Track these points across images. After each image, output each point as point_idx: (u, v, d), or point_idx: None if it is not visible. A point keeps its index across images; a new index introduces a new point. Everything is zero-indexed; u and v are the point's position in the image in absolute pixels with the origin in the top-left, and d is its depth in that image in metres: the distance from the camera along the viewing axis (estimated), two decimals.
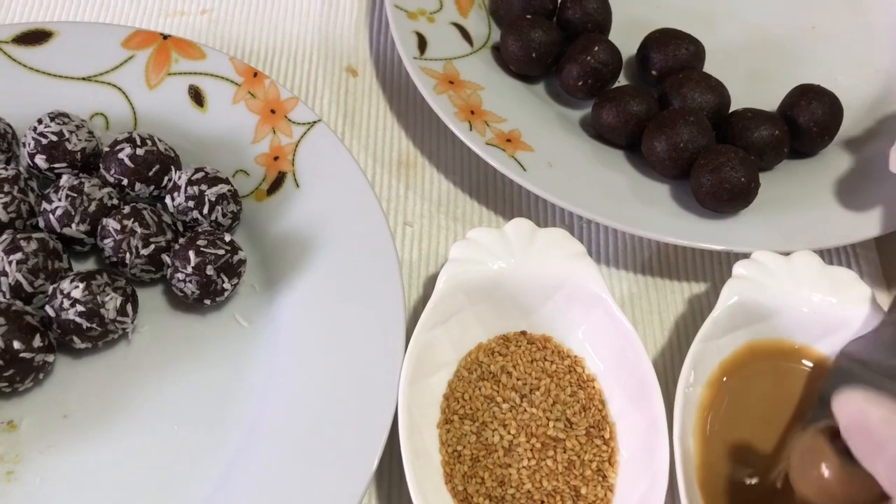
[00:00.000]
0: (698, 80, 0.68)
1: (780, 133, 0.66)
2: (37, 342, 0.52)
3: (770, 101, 0.70)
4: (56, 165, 0.59)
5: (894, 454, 0.40)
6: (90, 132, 0.61)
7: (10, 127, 0.61)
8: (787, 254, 0.60)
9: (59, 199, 0.57)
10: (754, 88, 0.74)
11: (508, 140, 0.65)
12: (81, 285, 0.53)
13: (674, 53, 0.70)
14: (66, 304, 0.53)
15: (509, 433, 0.55)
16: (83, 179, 0.58)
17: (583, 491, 0.54)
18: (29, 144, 0.59)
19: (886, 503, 0.43)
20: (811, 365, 0.59)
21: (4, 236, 0.55)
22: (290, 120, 0.65)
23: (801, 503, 0.47)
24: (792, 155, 0.68)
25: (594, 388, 0.58)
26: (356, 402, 0.53)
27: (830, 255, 0.68)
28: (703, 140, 0.64)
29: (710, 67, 0.71)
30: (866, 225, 0.64)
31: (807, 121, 0.67)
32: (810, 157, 0.70)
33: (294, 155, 0.63)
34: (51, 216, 0.57)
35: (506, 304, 0.59)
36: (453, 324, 0.57)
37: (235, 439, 0.54)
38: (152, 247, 0.57)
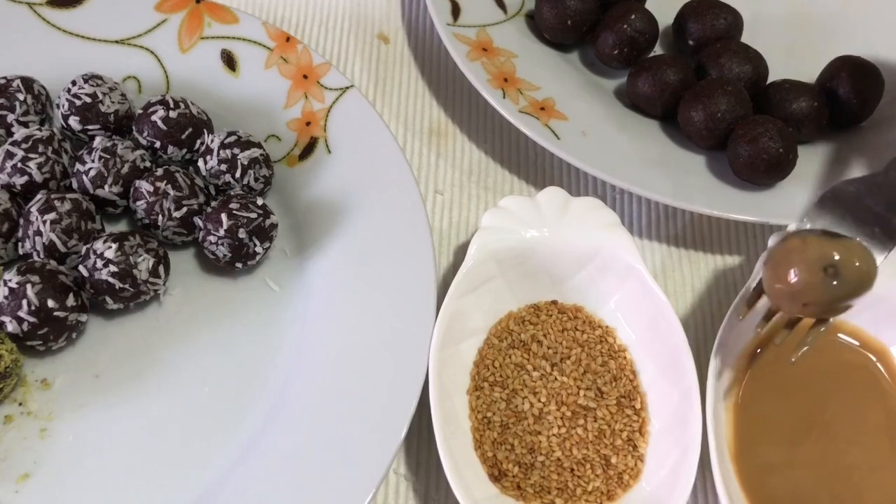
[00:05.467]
0: (736, 51, 0.67)
1: (818, 105, 0.65)
2: (70, 301, 0.53)
3: (809, 72, 0.69)
4: (89, 127, 0.59)
5: None
6: (123, 94, 0.61)
7: (44, 88, 0.61)
8: None
9: (93, 161, 0.57)
10: (793, 60, 0.73)
11: (542, 108, 0.65)
12: (114, 246, 0.53)
13: (711, 23, 0.69)
14: (100, 264, 0.53)
15: (539, 401, 0.55)
16: (116, 141, 0.58)
17: (613, 460, 0.54)
18: (63, 106, 0.59)
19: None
20: (846, 338, 0.58)
21: (39, 196, 0.55)
22: (322, 85, 0.64)
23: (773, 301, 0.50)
24: (831, 127, 0.67)
25: (625, 358, 0.57)
26: (386, 368, 0.53)
27: None
28: (741, 111, 0.63)
29: (747, 38, 0.70)
30: None
31: (846, 93, 0.66)
32: (849, 130, 0.68)
33: (326, 120, 0.63)
34: (84, 177, 0.57)
35: (537, 273, 0.58)
36: (484, 292, 0.57)
37: (265, 402, 0.54)
38: (185, 209, 0.57)
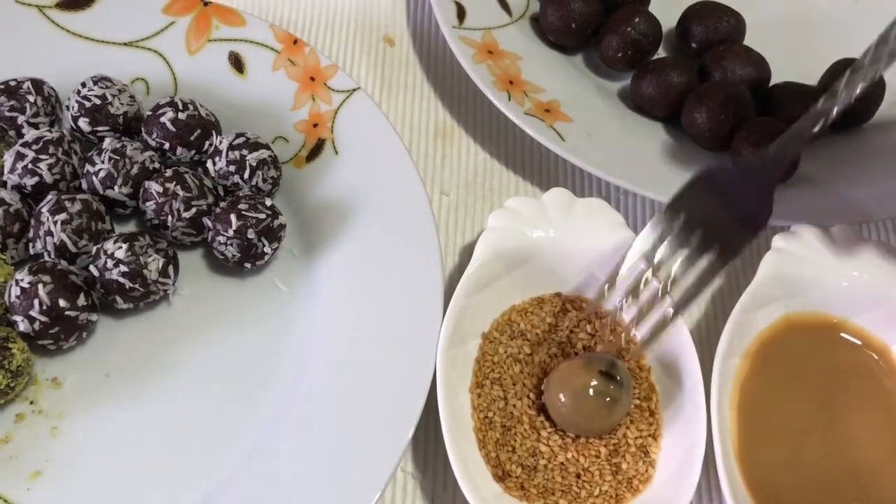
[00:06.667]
0: (739, 53, 0.67)
1: None
2: (81, 301, 0.53)
3: (811, 75, 0.69)
4: (99, 128, 0.60)
5: None
6: (132, 96, 0.62)
7: (54, 90, 0.62)
8: (827, 227, 0.60)
9: (102, 162, 0.57)
10: (795, 62, 0.73)
11: (547, 110, 0.65)
12: (125, 246, 0.54)
13: (714, 26, 0.70)
14: (110, 264, 0.54)
15: (534, 405, 0.55)
16: (125, 143, 0.58)
17: (623, 466, 0.53)
18: (73, 107, 0.60)
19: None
20: (850, 338, 0.58)
21: (49, 197, 0.56)
22: (329, 87, 0.65)
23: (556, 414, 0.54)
24: (833, 129, 0.67)
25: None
26: (394, 367, 0.54)
27: (870, 229, 0.67)
28: (744, 113, 0.63)
29: (750, 41, 0.71)
30: None
31: None
32: (852, 132, 0.69)
33: (333, 122, 0.64)
34: (94, 178, 0.57)
35: (543, 272, 0.59)
36: (490, 291, 0.57)
37: (274, 401, 0.55)
38: (194, 210, 0.57)
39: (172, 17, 0.67)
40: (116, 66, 0.65)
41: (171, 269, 0.56)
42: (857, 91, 0.51)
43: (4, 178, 0.57)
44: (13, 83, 0.60)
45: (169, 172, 0.58)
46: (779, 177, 0.51)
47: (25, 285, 0.52)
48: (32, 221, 0.55)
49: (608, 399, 0.52)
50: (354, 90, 0.64)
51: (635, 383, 0.56)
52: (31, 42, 0.65)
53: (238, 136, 0.60)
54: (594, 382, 0.53)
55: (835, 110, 0.51)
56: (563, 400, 0.53)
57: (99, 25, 0.66)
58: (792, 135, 0.52)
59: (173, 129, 0.59)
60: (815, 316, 0.59)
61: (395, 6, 0.77)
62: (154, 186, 0.57)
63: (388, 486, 0.53)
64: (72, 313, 0.53)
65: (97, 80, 0.60)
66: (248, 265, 0.58)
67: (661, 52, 0.72)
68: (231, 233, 0.56)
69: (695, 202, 0.51)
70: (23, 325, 0.52)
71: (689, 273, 0.50)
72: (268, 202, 0.58)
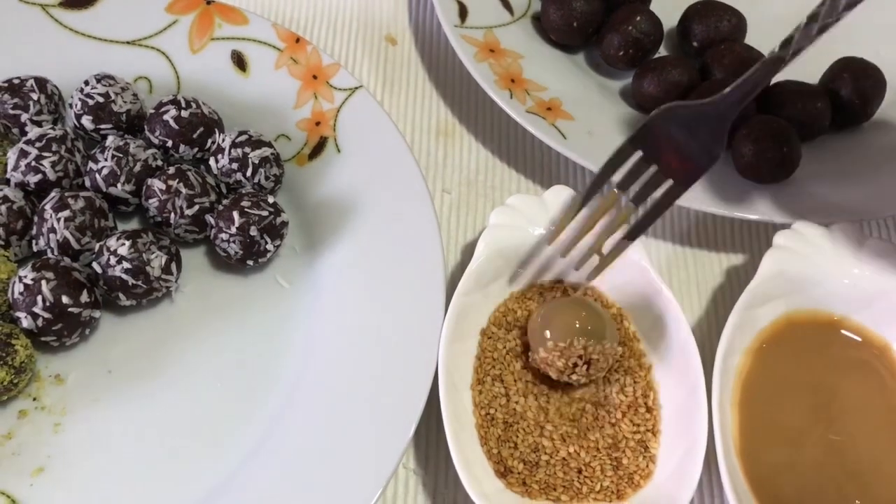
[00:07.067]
0: (740, 52, 0.67)
1: (822, 105, 0.66)
2: (84, 298, 0.53)
3: (812, 73, 0.69)
4: (102, 126, 0.60)
5: None
6: (135, 94, 0.62)
7: (57, 88, 0.62)
8: (828, 225, 0.60)
9: (105, 160, 0.57)
10: (796, 61, 0.73)
11: (549, 109, 0.65)
12: (128, 243, 0.54)
13: (715, 25, 0.70)
14: (113, 260, 0.54)
15: (535, 400, 0.55)
16: (128, 140, 0.59)
17: (624, 461, 0.54)
18: (76, 105, 0.60)
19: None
20: (850, 335, 0.59)
21: (53, 194, 0.56)
22: (331, 86, 0.65)
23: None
24: (834, 128, 0.68)
25: (637, 347, 0.58)
26: (396, 364, 0.54)
27: (870, 227, 0.68)
28: (745, 111, 0.63)
29: (751, 40, 0.71)
30: None
31: (849, 93, 0.67)
32: (852, 130, 0.69)
33: (335, 120, 0.64)
34: (97, 176, 0.57)
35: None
36: (492, 289, 0.58)
37: (276, 398, 0.55)
38: (196, 207, 0.57)
39: (175, 15, 0.67)
40: (119, 64, 0.65)
41: (173, 266, 0.56)
42: (815, 33, 0.54)
43: (8, 175, 0.58)
44: (17, 81, 0.60)
45: (172, 170, 0.58)
46: (733, 117, 0.54)
47: (29, 282, 0.52)
48: (36, 218, 0.56)
49: (588, 309, 0.54)
50: (356, 88, 0.65)
51: (634, 382, 0.56)
52: (35, 40, 0.65)
53: (241, 133, 0.60)
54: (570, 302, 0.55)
55: (788, 56, 0.55)
56: (547, 336, 0.54)
57: (102, 24, 0.66)
58: (747, 79, 0.54)
59: (176, 127, 0.60)
60: (816, 313, 0.59)
61: (398, 5, 0.77)
62: (157, 184, 0.57)
63: (390, 483, 0.54)
64: (75, 310, 0.53)
65: (100, 78, 0.60)
66: (250, 262, 0.58)
67: (662, 51, 0.72)
68: (234, 230, 0.56)
69: (655, 136, 0.54)
70: (26, 322, 0.52)
71: (647, 200, 0.54)
72: (270, 199, 0.58)
